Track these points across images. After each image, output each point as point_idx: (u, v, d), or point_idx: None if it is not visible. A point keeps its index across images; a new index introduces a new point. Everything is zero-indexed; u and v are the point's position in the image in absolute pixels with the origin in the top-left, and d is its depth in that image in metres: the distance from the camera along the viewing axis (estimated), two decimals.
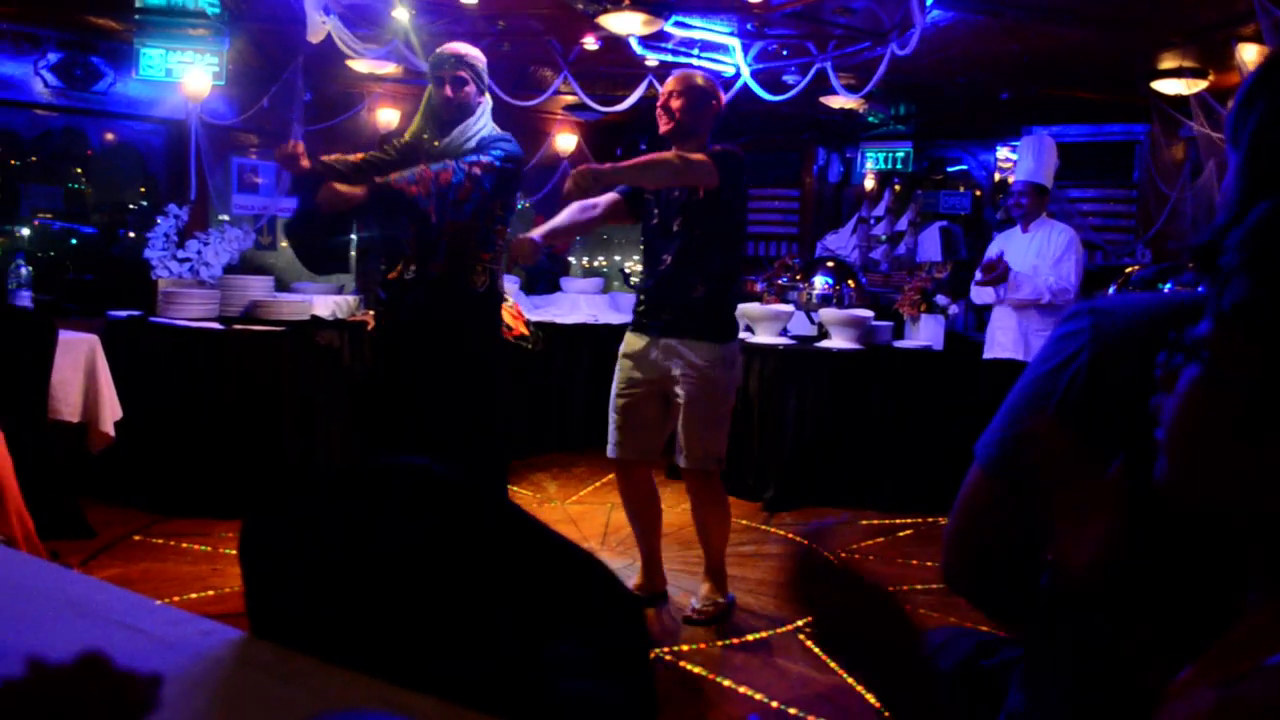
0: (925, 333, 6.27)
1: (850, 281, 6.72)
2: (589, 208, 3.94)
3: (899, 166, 9.25)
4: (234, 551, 4.40)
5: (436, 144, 3.84)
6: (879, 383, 5.93)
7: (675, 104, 3.81)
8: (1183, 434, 0.94)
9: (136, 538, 4.75)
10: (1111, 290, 6.46)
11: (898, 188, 9.13)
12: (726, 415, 3.90)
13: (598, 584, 0.98)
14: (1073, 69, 6.95)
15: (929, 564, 4.82)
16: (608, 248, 10.64)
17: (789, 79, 6.72)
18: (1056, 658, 1.27)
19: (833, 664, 3.57)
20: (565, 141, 9.02)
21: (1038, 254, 5.38)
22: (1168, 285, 6.34)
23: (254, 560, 1.15)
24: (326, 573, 1.06)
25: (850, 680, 3.44)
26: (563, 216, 3.97)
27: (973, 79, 7.26)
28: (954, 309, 6.49)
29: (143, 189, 8.52)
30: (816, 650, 3.70)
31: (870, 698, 3.31)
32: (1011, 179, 7.30)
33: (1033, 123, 8.11)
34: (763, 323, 6.16)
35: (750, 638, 3.82)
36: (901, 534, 5.39)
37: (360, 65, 6.39)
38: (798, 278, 6.82)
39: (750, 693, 3.32)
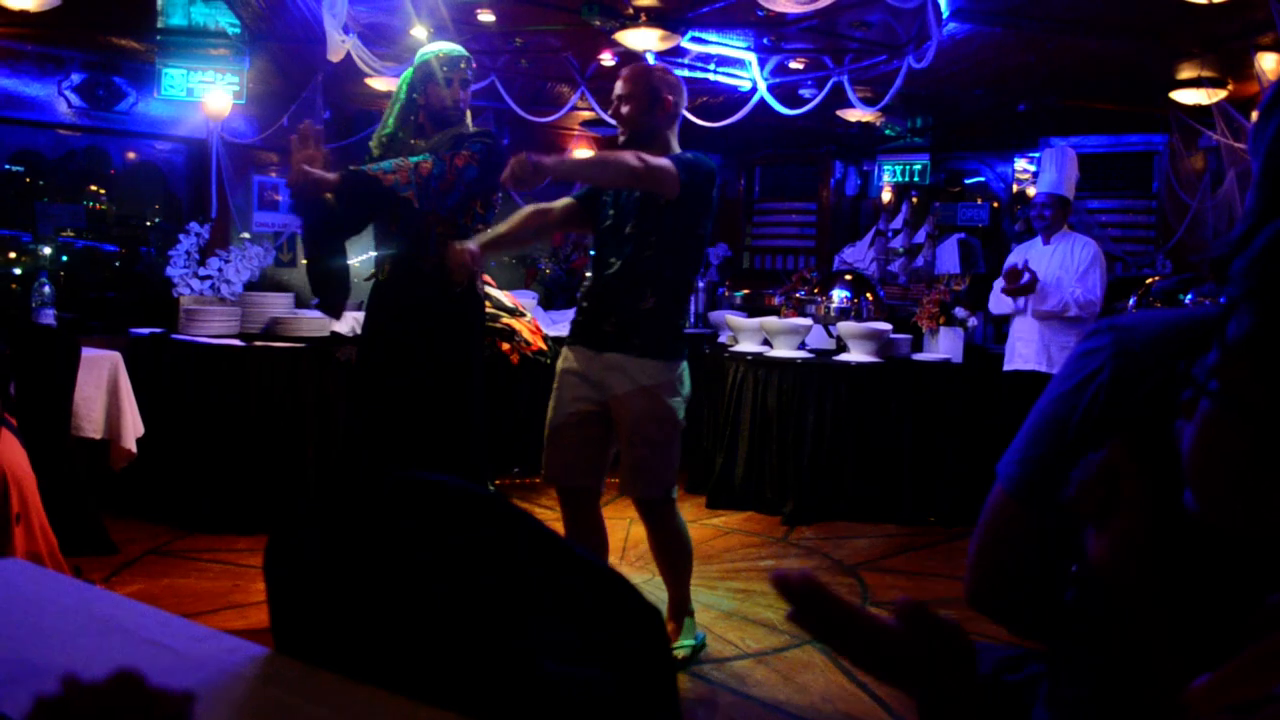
0: (944, 345, 6.25)
1: (868, 294, 6.71)
2: (542, 213, 3.58)
3: (916, 179, 9.24)
4: (255, 567, 4.43)
5: (422, 144, 3.69)
6: (898, 396, 5.91)
7: (629, 110, 3.48)
8: (1200, 463, 0.94)
9: (159, 554, 4.78)
10: (1131, 302, 6.43)
11: (915, 200, 9.12)
12: (677, 439, 3.50)
13: (619, 597, 0.98)
14: (1091, 80, 6.93)
15: (950, 578, 4.79)
16: None
17: (805, 93, 6.73)
18: (1081, 674, 1.26)
19: (854, 679, 3.56)
20: (582, 157, 9.05)
21: (1060, 266, 5.37)
22: (1188, 296, 6.30)
23: (278, 576, 1.15)
24: (351, 589, 1.07)
25: (871, 696, 3.42)
26: (508, 225, 3.59)
27: (990, 91, 7.25)
28: (973, 321, 6.47)
29: (163, 207, 8.59)
30: (838, 666, 3.69)
31: (892, 713, 3.30)
32: (1031, 190, 7.28)
33: (1051, 134, 8.09)
34: (781, 336, 6.15)
35: (771, 653, 3.80)
36: (921, 548, 5.37)
37: (379, 83, 6.43)
38: (815, 291, 6.81)
39: (771, 708, 3.30)
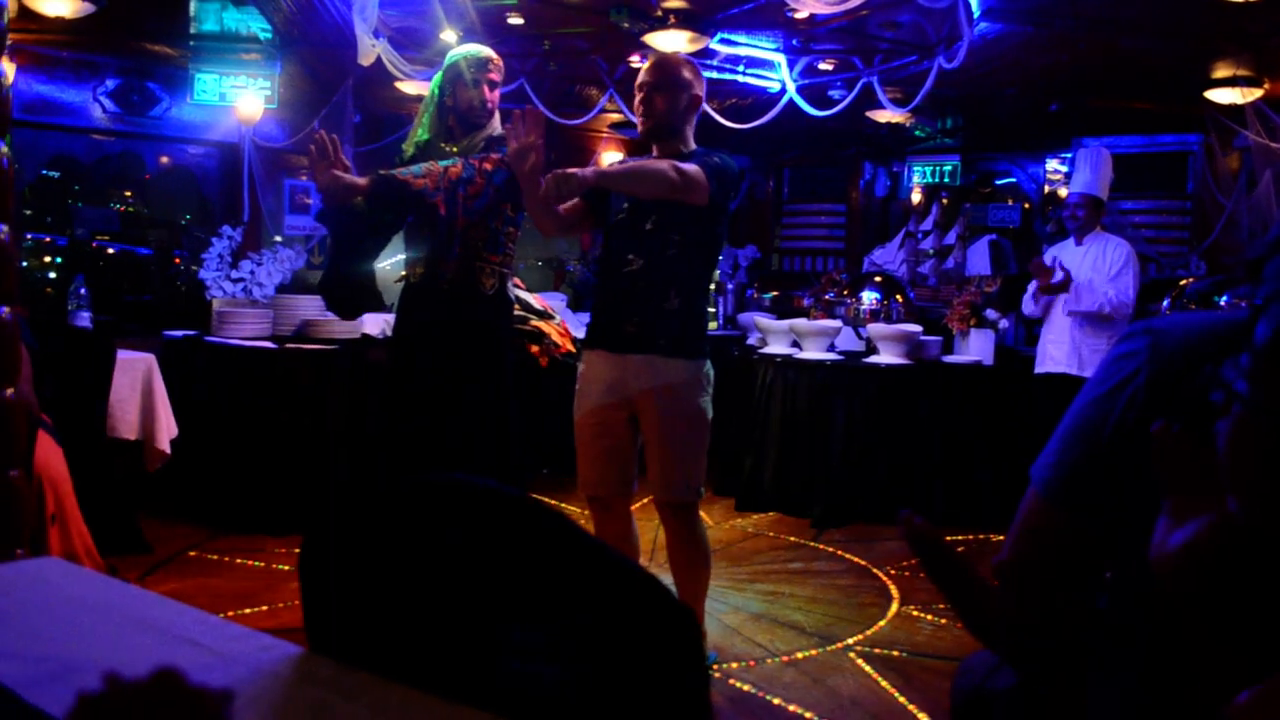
0: (975, 347, 6.21)
1: (898, 296, 6.68)
2: (547, 218, 3.41)
3: (946, 180, 9.19)
4: (287, 567, 4.47)
5: (454, 149, 3.65)
6: (928, 398, 5.88)
7: (658, 100, 3.36)
8: (1234, 465, 0.93)
9: (192, 553, 4.82)
10: (1165, 303, 6.37)
11: (945, 201, 9.07)
12: (705, 441, 3.40)
13: (652, 599, 0.98)
14: (1124, 79, 6.87)
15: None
16: None
17: (835, 94, 6.71)
18: (1115, 678, 1.25)
19: (884, 683, 3.54)
20: (611, 159, 9.07)
21: (1093, 267, 5.32)
22: (1223, 298, 6.23)
23: (313, 576, 1.16)
24: (384, 589, 1.08)
25: (902, 699, 3.41)
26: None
27: (1021, 91, 7.20)
28: (1004, 323, 6.43)
29: (196, 211, 8.68)
30: (867, 669, 3.68)
31: (923, 717, 3.28)
32: (1063, 191, 7.23)
33: (1083, 134, 8.03)
34: (810, 338, 6.13)
35: (799, 655, 3.79)
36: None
37: (409, 87, 6.47)
38: (845, 293, 6.79)
39: (800, 711, 3.30)
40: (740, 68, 6.53)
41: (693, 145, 3.44)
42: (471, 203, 3.51)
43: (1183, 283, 6.73)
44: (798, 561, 4.98)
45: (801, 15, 5.30)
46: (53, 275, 7.99)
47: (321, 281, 3.87)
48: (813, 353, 6.09)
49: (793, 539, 5.40)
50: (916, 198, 9.27)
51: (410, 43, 5.80)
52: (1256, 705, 0.85)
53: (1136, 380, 1.17)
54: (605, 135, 9.00)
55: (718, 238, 3.42)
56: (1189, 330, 1.18)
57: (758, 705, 3.35)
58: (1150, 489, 1.15)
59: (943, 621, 4.23)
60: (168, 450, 4.83)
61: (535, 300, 5.95)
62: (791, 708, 3.31)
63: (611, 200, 3.42)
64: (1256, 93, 6.43)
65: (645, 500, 6.13)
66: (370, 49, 4.97)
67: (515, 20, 5.77)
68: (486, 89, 3.67)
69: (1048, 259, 5.52)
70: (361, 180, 3.40)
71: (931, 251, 8.90)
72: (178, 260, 8.70)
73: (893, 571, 4.91)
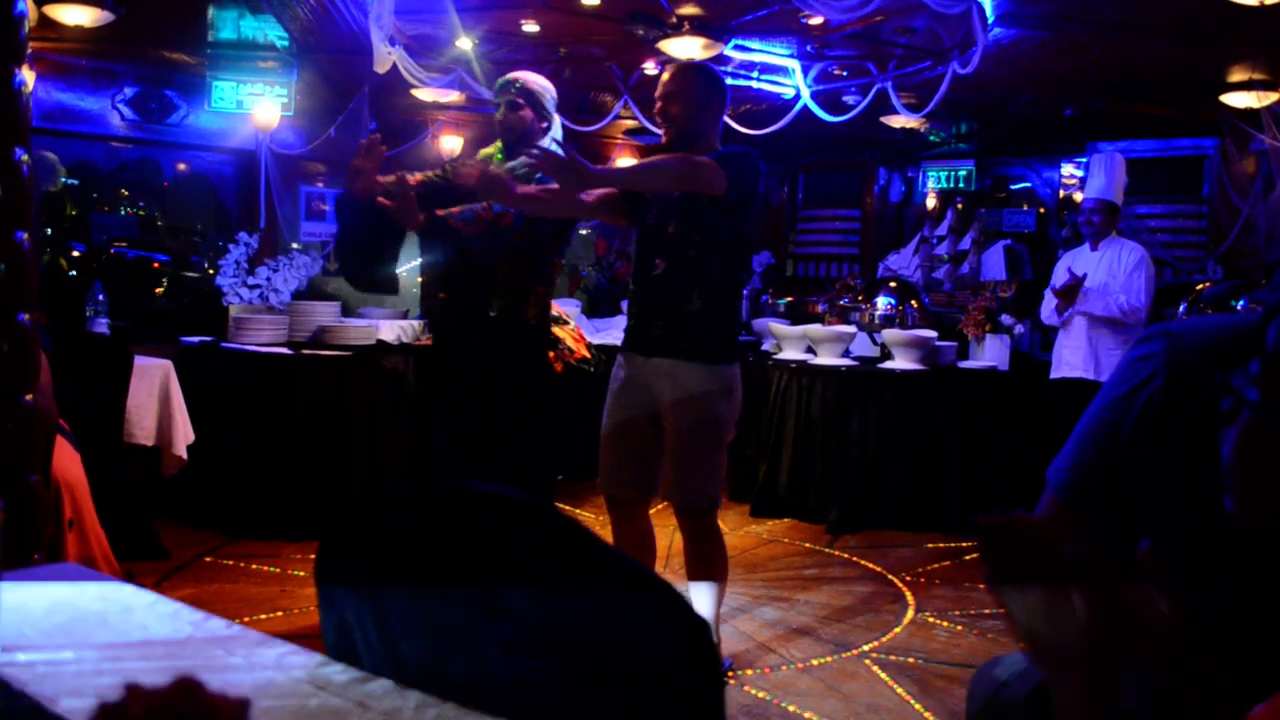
0: (990, 353, 6.19)
1: (913, 302, 6.67)
2: (585, 194, 3.37)
3: (961, 185, 9.17)
4: (303, 573, 4.48)
5: (510, 165, 3.72)
6: (943, 404, 5.86)
7: (674, 109, 3.37)
8: (1240, 469, 0.93)
9: (208, 559, 4.85)
10: (1182, 308, 6.33)
11: (960, 206, 9.05)
12: (722, 448, 3.39)
13: (666, 607, 0.98)
14: (1139, 83, 6.84)
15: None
16: None
17: (849, 100, 6.71)
18: (1134, 687, 1.25)
19: (899, 690, 3.53)
20: (626, 165, 9.08)
21: (1108, 272, 5.31)
22: (1240, 302, 6.20)
23: (329, 582, 1.17)
24: (400, 595, 1.08)
25: (918, 706, 3.40)
26: (548, 197, 3.39)
27: (1036, 96, 7.19)
28: (1019, 329, 6.40)
29: (213, 217, 8.73)
30: (883, 676, 3.66)
31: None
32: (1078, 196, 7.20)
33: (1098, 138, 8.00)
34: (825, 344, 6.12)
35: (815, 662, 3.78)
36: (969, 557, 5.32)
37: (424, 94, 6.50)
38: (860, 298, 6.77)
39: (815, 718, 3.29)
40: (755, 74, 6.54)
41: (717, 148, 3.41)
42: (518, 245, 3.63)
43: (1199, 287, 6.70)
44: (813, 568, 4.97)
45: (816, 21, 5.30)
46: (73, 273, 8.04)
47: (339, 250, 3.93)
48: (827, 359, 6.08)
49: (808, 545, 5.40)
50: (931, 203, 9.25)
51: (426, 49, 5.83)
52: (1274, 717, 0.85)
53: (1153, 383, 1.17)
54: (620, 141, 9.01)
55: (744, 237, 3.39)
56: (1206, 334, 1.18)
57: (773, 712, 3.35)
58: (1168, 490, 1.15)
59: (959, 629, 4.22)
60: (185, 456, 4.85)
61: (551, 306, 5.97)
62: (807, 715, 3.31)
63: (643, 206, 3.44)
64: (1272, 96, 6.39)
65: (663, 505, 6.13)
66: (386, 56, 4.99)
67: (530, 27, 5.79)
68: (503, 110, 3.79)
69: (1062, 266, 5.50)
70: (420, 215, 3.49)
71: (946, 257, 8.87)
72: (195, 267, 8.75)
73: (908, 578, 4.90)
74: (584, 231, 8.75)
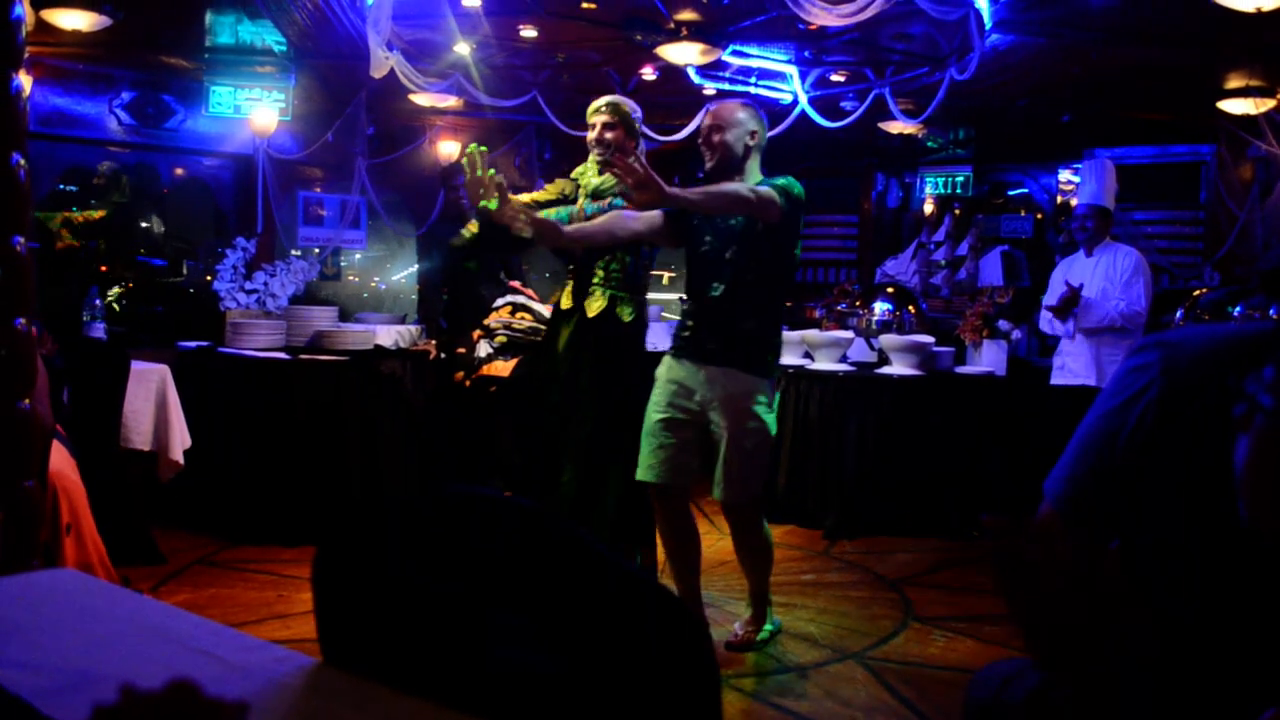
0: (987, 358, 6.20)
1: (910, 307, 6.67)
2: (631, 218, 3.74)
3: (959, 191, 9.18)
4: (300, 578, 4.46)
5: (595, 180, 4.17)
6: (941, 409, 5.86)
7: (715, 139, 3.74)
8: (1256, 476, 0.93)
9: (205, 564, 4.84)
10: (1179, 314, 6.34)
11: (958, 212, 9.06)
12: (767, 450, 3.77)
13: (664, 610, 0.98)
14: (1136, 90, 6.86)
15: (995, 594, 4.74)
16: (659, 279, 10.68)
17: (847, 105, 6.72)
18: (1135, 693, 1.24)
19: (896, 695, 3.53)
20: None
21: (1104, 277, 5.32)
22: (1237, 309, 6.21)
23: (326, 588, 1.17)
24: (397, 600, 1.08)
25: (914, 712, 3.39)
26: (595, 225, 3.76)
27: (1033, 102, 7.20)
28: (1017, 334, 6.41)
29: (210, 223, 8.72)
30: (880, 680, 3.66)
31: None
32: (1075, 202, 7.21)
33: (1095, 145, 8.02)
34: (822, 349, 6.12)
35: (812, 666, 3.78)
36: (965, 563, 5.32)
37: (422, 99, 6.50)
38: (857, 304, 6.78)
39: None
40: (752, 79, 6.55)
41: (758, 175, 3.77)
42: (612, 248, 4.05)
43: (1196, 293, 6.70)
44: (810, 573, 4.97)
45: (813, 27, 5.31)
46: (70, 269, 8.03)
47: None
48: (825, 364, 6.09)
49: (805, 550, 5.39)
50: (929, 209, 9.26)
51: (423, 55, 5.83)
52: None
53: (1149, 394, 1.17)
54: None
55: (791, 261, 3.81)
56: (1200, 343, 1.18)
57: (770, 716, 3.34)
58: (1166, 501, 1.15)
59: (956, 634, 4.22)
60: (181, 461, 4.84)
61: (546, 311, 5.96)
62: (804, 719, 3.30)
63: (696, 232, 3.77)
64: (1269, 103, 6.41)
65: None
66: (384, 61, 5.00)
67: (529, 33, 5.80)
68: (602, 129, 4.16)
69: (1060, 273, 5.51)
70: (560, 234, 3.79)
71: (944, 262, 8.88)
72: (192, 272, 8.73)
73: (906, 583, 4.90)
74: None
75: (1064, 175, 8.92)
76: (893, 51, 6.04)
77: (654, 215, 3.76)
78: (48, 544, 3.02)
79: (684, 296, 3.93)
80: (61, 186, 8.14)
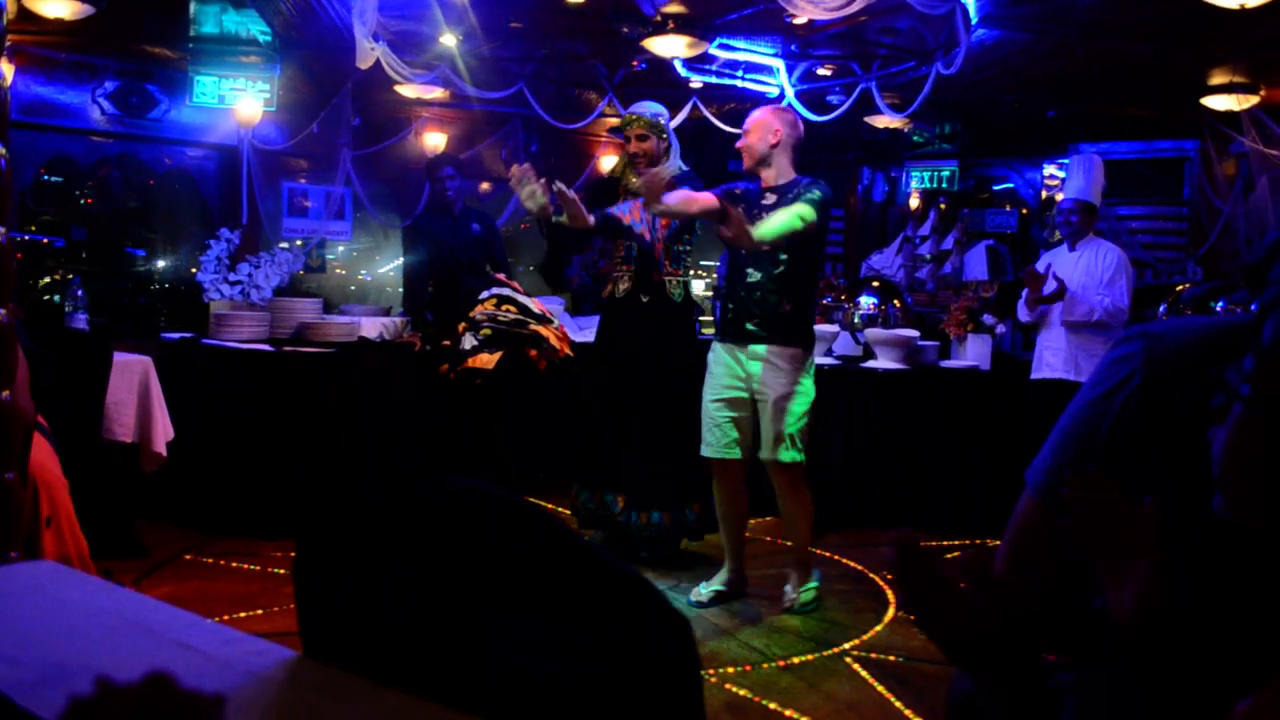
0: (972, 353, 6.22)
1: (896, 301, 6.68)
2: (695, 200, 4.15)
3: (944, 185, 9.20)
4: (283, 571, 4.47)
5: (635, 181, 4.66)
6: (925, 403, 5.88)
7: (741, 143, 4.31)
8: (1232, 466, 0.93)
9: (187, 557, 4.82)
10: (1162, 309, 6.37)
11: (943, 206, 9.07)
12: (810, 413, 4.21)
13: (646, 604, 0.98)
14: (1121, 85, 6.88)
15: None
16: None
17: (833, 99, 6.72)
18: (1112, 681, 1.25)
19: (880, 687, 3.54)
20: (610, 163, 9.06)
21: (1086, 272, 5.34)
22: (1219, 304, 6.24)
23: (307, 581, 1.16)
24: (380, 594, 1.08)
25: (898, 704, 3.41)
26: (675, 199, 4.10)
27: (1019, 97, 7.22)
28: (1001, 329, 6.43)
29: (194, 213, 8.66)
30: (864, 673, 3.68)
31: None
32: (1060, 197, 7.23)
33: (1080, 140, 8.04)
34: None
35: (796, 660, 3.79)
36: (950, 555, 5.34)
37: (408, 90, 6.48)
38: (843, 298, 6.78)
39: (796, 716, 3.29)
40: (739, 73, 6.54)
41: (791, 173, 4.26)
42: (664, 230, 4.68)
43: (1179, 288, 6.74)
44: (794, 566, 4.97)
45: (800, 21, 5.31)
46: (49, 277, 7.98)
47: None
48: None
49: (790, 544, 5.39)
50: (914, 203, 9.27)
51: (409, 46, 5.80)
52: (1258, 711, 0.85)
53: (1131, 384, 1.17)
54: (604, 139, 8.99)
55: (820, 252, 4.44)
56: (1183, 335, 1.18)
57: (754, 710, 3.35)
58: (1147, 490, 1.16)
59: None
60: (164, 453, 4.82)
61: (534, 305, 5.96)
62: (788, 713, 3.31)
63: None
64: (1253, 99, 6.44)
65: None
66: (369, 52, 4.97)
67: (515, 24, 5.78)
68: (634, 143, 4.71)
69: (1041, 266, 5.53)
70: (590, 217, 4.39)
71: (929, 257, 8.89)
72: (175, 263, 8.69)
73: (889, 576, 4.91)
74: None
75: (1049, 170, 8.94)
76: (879, 46, 6.05)
77: (710, 201, 4.14)
78: (28, 537, 3.00)
79: (725, 280, 4.44)
80: (45, 176, 8.08)
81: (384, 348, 5.68)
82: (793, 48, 6.20)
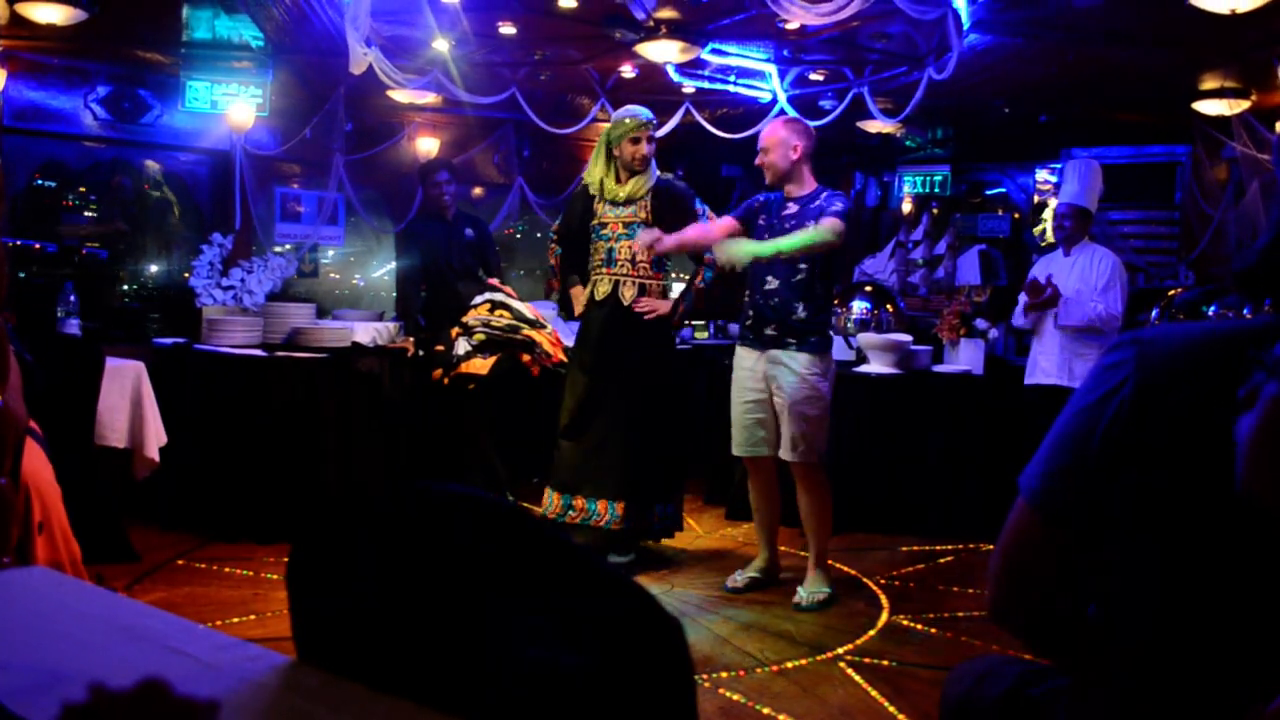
0: (965, 357, 6.23)
1: (888, 306, 6.69)
2: (712, 229, 4.60)
3: (937, 190, 9.21)
4: (275, 576, 4.47)
5: (624, 191, 4.91)
6: (918, 408, 5.89)
7: (760, 161, 4.50)
8: (1265, 445, 0.94)
9: (180, 562, 4.81)
10: (1154, 313, 6.39)
11: (936, 211, 9.09)
12: (826, 415, 4.41)
13: (639, 608, 0.98)
14: (1112, 90, 6.90)
15: (971, 591, 4.77)
16: None
17: (826, 104, 6.73)
18: (1104, 688, 1.25)
19: (874, 692, 3.54)
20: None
21: (1080, 278, 5.35)
22: (1211, 308, 6.26)
23: (300, 586, 1.16)
24: (373, 599, 1.07)
25: (892, 709, 3.41)
26: (690, 234, 4.63)
27: (1011, 102, 7.23)
28: (994, 333, 6.44)
29: (187, 219, 8.64)
30: (857, 678, 3.68)
31: None
32: (1052, 201, 7.25)
33: (1072, 145, 8.06)
34: None
35: (790, 665, 3.79)
36: (943, 560, 5.34)
37: (401, 95, 6.48)
38: (835, 302, 6.79)
39: None
40: (731, 78, 6.55)
41: (812, 183, 4.47)
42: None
43: (1171, 293, 6.75)
44: (787, 571, 4.98)
45: (792, 26, 5.32)
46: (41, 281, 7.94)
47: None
48: None
49: (783, 548, 5.39)
50: (907, 208, 9.29)
51: (402, 51, 5.80)
52: None
53: (1123, 391, 1.18)
54: (596, 144, 8.98)
55: (839, 263, 4.68)
56: (1175, 341, 1.18)
57: (747, 715, 3.35)
58: (1140, 496, 1.16)
59: (933, 631, 4.24)
60: (156, 458, 4.81)
61: (527, 309, 5.96)
62: (781, 717, 3.31)
63: (755, 231, 4.47)
64: (1243, 104, 6.46)
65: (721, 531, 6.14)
66: (362, 57, 4.97)
67: (507, 30, 5.78)
68: (646, 145, 4.88)
69: (1038, 271, 5.54)
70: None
71: (922, 261, 8.91)
72: (168, 268, 8.66)
73: (883, 581, 4.92)
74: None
75: (1041, 175, 8.96)
76: (871, 51, 6.06)
77: (730, 224, 4.54)
78: (20, 542, 2.99)
79: (747, 289, 4.57)
80: (39, 181, 8.06)
81: (377, 353, 5.68)
82: (785, 53, 6.21)
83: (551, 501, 4.95)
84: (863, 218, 9.82)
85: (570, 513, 4.88)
